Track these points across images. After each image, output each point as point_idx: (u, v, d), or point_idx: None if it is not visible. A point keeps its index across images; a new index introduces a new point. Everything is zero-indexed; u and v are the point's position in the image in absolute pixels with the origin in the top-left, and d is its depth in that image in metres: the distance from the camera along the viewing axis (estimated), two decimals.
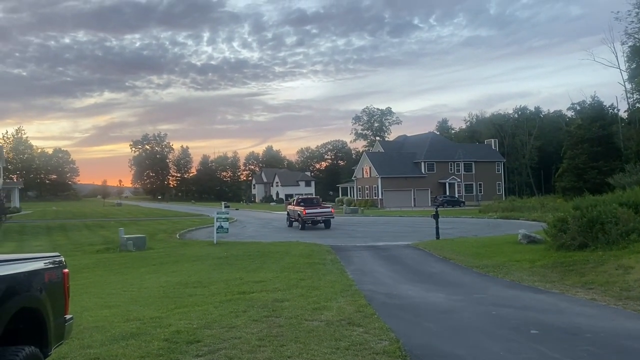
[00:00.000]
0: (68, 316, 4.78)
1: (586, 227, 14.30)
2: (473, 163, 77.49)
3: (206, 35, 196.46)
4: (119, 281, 14.12)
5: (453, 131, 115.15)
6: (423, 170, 74.98)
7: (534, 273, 12.72)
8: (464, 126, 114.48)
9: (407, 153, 78.87)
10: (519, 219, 37.17)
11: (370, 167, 74.55)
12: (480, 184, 77.65)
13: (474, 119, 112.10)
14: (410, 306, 9.22)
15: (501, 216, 40.75)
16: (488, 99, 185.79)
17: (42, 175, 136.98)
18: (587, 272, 11.83)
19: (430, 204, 68.13)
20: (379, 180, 71.68)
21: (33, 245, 28.64)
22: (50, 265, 4.50)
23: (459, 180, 75.59)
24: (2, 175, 64.74)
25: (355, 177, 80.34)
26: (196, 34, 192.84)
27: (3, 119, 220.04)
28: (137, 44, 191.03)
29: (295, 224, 37.13)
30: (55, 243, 29.89)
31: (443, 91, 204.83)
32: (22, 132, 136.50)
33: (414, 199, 72.78)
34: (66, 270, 4.81)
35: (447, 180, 74.83)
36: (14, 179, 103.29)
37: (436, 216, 23.58)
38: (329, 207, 38.54)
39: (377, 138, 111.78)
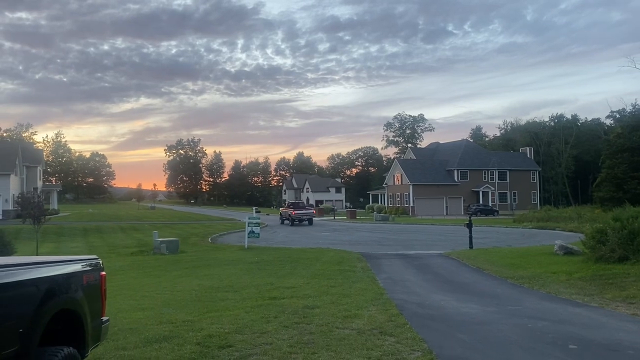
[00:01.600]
0: (104, 318, 4.86)
1: (627, 239, 13.85)
2: (507, 171, 76.11)
3: (240, 42, 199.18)
4: (152, 284, 14.33)
5: (487, 139, 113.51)
6: (456, 178, 74.02)
7: (571, 285, 12.35)
8: (498, 134, 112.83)
9: (440, 160, 78.03)
10: (554, 230, 36.27)
11: (401, 174, 74.03)
12: (514, 193, 76.19)
13: (509, 127, 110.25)
14: (443, 317, 9.06)
15: (536, 226, 39.83)
16: (523, 107, 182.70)
17: (80, 178, 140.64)
18: (628, 285, 11.43)
19: (463, 213, 67.18)
20: (411, 187, 71.08)
21: (70, 246, 29.40)
22: (88, 268, 4.59)
23: (493, 188, 74.34)
24: (41, 177, 66.77)
25: (386, 184, 79.89)
26: (231, 41, 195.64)
27: (44, 123, 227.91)
28: (173, 51, 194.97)
29: (286, 221, 47.88)
30: (91, 245, 30.60)
31: (477, 98, 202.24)
32: (62, 136, 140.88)
33: (446, 207, 71.89)
34: (103, 272, 4.90)
35: (481, 188, 73.67)
36: (53, 181, 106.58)
37: (470, 225, 23.19)
38: (311, 209, 50.76)
39: (409, 145, 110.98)
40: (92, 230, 40.09)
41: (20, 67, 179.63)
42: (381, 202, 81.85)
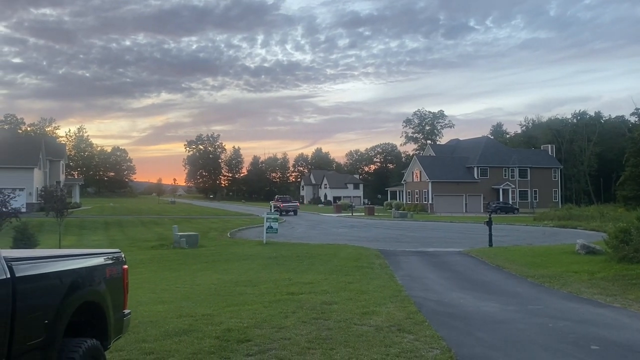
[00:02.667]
0: (126, 311, 4.93)
1: None
2: (528, 169, 75.17)
3: (260, 38, 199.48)
4: (172, 277, 14.49)
5: (508, 136, 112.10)
6: (476, 176, 73.34)
7: (593, 285, 12.17)
8: (519, 131, 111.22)
9: (460, 157, 77.37)
10: (576, 228, 35.73)
11: (420, 171, 73.60)
12: (535, 191, 75.21)
13: (530, 124, 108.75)
14: (462, 315, 9.00)
15: (557, 225, 39.28)
16: (545, 103, 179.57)
17: (101, 173, 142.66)
18: None
19: (482, 210, 66.56)
20: (430, 184, 70.64)
21: (91, 239, 29.85)
22: (111, 261, 4.66)
23: (513, 186, 73.49)
24: (64, 171, 67.88)
25: (404, 180, 79.52)
26: (251, 37, 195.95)
27: (67, 118, 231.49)
28: (194, 47, 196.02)
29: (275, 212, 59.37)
30: (112, 238, 31.02)
31: (498, 94, 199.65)
32: (84, 130, 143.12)
33: (466, 204, 71.28)
34: (126, 266, 4.96)
35: (501, 186, 72.89)
36: (75, 175, 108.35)
37: (489, 223, 22.98)
38: (295, 202, 63.57)
39: (429, 141, 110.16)
40: (113, 224, 40.65)
41: (44, 63, 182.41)
42: (399, 199, 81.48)
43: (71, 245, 26.12)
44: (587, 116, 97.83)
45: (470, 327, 8.01)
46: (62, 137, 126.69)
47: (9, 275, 3.04)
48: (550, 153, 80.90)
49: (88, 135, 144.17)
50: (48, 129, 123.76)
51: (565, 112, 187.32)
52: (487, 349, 6.76)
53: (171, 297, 10.74)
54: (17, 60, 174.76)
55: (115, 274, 4.65)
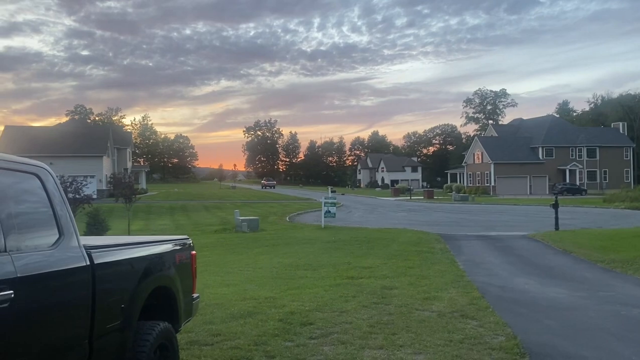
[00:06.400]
0: (195, 295, 5.13)
1: None
2: (597, 148, 71.62)
3: (316, 21, 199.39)
4: (235, 260, 14.90)
5: (575, 114, 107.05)
6: (540, 156, 70.67)
7: None
8: (587, 108, 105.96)
9: (523, 137, 74.69)
10: None
11: (482, 153, 71.67)
12: (605, 171, 71.66)
13: (599, 100, 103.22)
14: (528, 301, 8.77)
15: (629, 206, 37.31)
16: (616, 78, 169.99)
17: (165, 159, 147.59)
18: None
19: (547, 192, 64.21)
20: (492, 166, 68.72)
21: (158, 224, 31.11)
22: (181, 247, 4.85)
23: (581, 166, 70.31)
24: (131, 158, 70.84)
25: (465, 162, 77.74)
26: (307, 21, 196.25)
27: (132, 107, 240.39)
28: (252, 33, 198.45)
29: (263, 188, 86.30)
30: (177, 223, 32.20)
31: (565, 70, 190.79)
32: (148, 119, 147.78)
33: (530, 186, 68.93)
34: (194, 252, 5.15)
35: (568, 166, 69.90)
36: (141, 162, 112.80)
37: (555, 205, 22.11)
38: (274, 181, 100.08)
39: (490, 121, 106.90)
40: (178, 209, 42.15)
41: (110, 54, 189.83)
42: (460, 182, 79.79)
43: (139, 229, 27.32)
44: None
45: (536, 313, 7.80)
46: (128, 125, 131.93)
47: (88, 263, 3.23)
48: (621, 131, 76.70)
49: (152, 123, 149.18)
50: (115, 118, 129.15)
51: (638, 87, 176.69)
52: (555, 336, 6.56)
53: (235, 279, 11.05)
54: (85, 52, 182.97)
55: (185, 259, 4.83)
